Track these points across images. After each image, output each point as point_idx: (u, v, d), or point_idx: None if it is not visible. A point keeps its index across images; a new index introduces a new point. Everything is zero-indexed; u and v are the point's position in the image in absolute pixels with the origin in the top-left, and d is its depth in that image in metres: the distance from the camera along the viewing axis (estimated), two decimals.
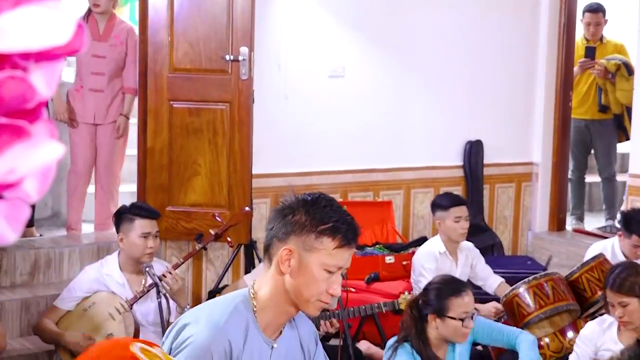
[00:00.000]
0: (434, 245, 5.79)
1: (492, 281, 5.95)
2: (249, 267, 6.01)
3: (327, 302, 2.44)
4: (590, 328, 4.52)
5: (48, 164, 0.88)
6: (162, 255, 5.92)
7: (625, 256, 5.91)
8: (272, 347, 2.54)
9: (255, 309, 2.48)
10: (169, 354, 2.41)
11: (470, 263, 5.93)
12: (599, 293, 5.21)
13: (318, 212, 2.43)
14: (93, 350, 1.84)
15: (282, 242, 2.44)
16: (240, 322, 2.46)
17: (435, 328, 4.01)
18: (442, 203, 5.74)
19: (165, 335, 2.56)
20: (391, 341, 4.14)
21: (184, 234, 5.83)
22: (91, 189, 6.64)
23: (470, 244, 5.99)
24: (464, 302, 3.97)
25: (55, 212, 7.37)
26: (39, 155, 0.88)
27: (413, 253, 6.43)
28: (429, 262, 5.73)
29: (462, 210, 5.66)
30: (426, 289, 4.16)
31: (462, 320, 3.94)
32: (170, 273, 4.78)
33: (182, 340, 2.41)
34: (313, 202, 2.43)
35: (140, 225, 4.87)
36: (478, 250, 6.05)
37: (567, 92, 7.93)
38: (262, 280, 2.50)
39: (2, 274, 5.66)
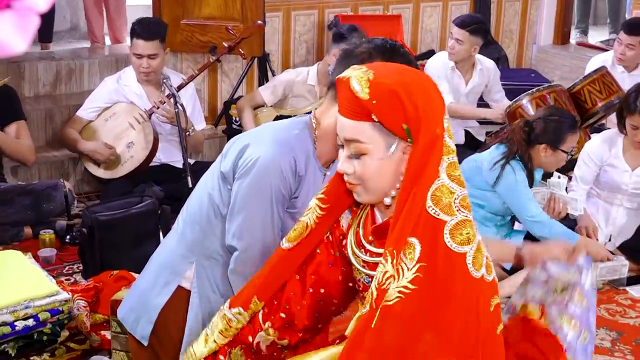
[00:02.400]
0: (444, 58, 5.62)
1: (503, 104, 5.86)
2: (263, 79, 5.97)
3: None
4: (595, 144, 4.50)
5: None
6: (177, 67, 5.87)
7: (623, 66, 5.83)
8: (325, 174, 2.57)
9: (315, 137, 2.49)
10: (233, 171, 2.44)
11: (485, 82, 5.70)
12: (600, 104, 5.19)
13: (398, 61, 2.35)
14: None
15: None
16: (303, 145, 2.47)
17: (542, 155, 4.05)
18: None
19: (222, 155, 2.55)
20: (495, 155, 4.12)
21: (198, 47, 5.75)
22: None
23: (492, 64, 5.75)
24: (576, 138, 4.05)
25: (74, 25, 7.26)
26: None
27: (421, 66, 6.36)
28: (439, 73, 5.59)
29: None
30: (546, 120, 4.06)
31: (567, 153, 4.03)
32: (159, 106, 4.76)
33: (248, 158, 2.41)
34: (392, 51, 2.36)
35: (135, 44, 4.77)
36: (499, 73, 5.80)
37: None
38: (326, 112, 2.47)
39: (25, 85, 5.64)
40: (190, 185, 4.45)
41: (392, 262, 1.80)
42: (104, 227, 4.03)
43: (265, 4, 5.75)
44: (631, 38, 5.65)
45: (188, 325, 2.58)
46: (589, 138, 5.22)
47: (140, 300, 2.66)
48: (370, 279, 1.99)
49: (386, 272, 1.81)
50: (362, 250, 2.03)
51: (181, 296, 2.60)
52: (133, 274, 3.70)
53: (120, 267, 3.85)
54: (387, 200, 1.92)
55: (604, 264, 4.22)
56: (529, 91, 5.14)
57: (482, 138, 5.77)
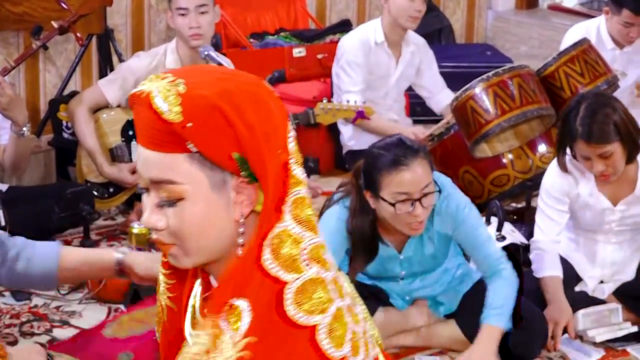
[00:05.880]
0: (369, 31, 5.75)
1: (442, 97, 5.93)
2: (105, 66, 5.90)
3: None
4: (553, 177, 4.44)
5: None
6: None
7: (613, 40, 5.97)
8: None
9: None
10: None
11: (416, 65, 5.91)
12: (582, 92, 5.27)
13: None
14: None
15: None
16: None
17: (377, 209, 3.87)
18: None
19: None
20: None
21: (10, 22, 5.66)
22: None
23: (422, 40, 5.96)
24: (402, 180, 3.73)
25: None
26: None
27: (332, 42, 6.39)
28: (358, 54, 5.71)
29: None
30: (368, 153, 3.89)
31: (393, 205, 3.74)
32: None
33: None
34: None
35: None
36: (432, 52, 6.03)
37: None
38: None
39: None
40: (3, 223, 4.37)
41: (209, 332, 1.78)
42: None
43: None
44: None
45: None
46: None
47: None
48: None
49: (195, 343, 1.80)
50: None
51: None
52: None
53: None
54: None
55: (586, 310, 4.28)
56: (484, 76, 5.17)
57: None
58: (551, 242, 4.42)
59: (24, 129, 4.70)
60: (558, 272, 4.34)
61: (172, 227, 1.83)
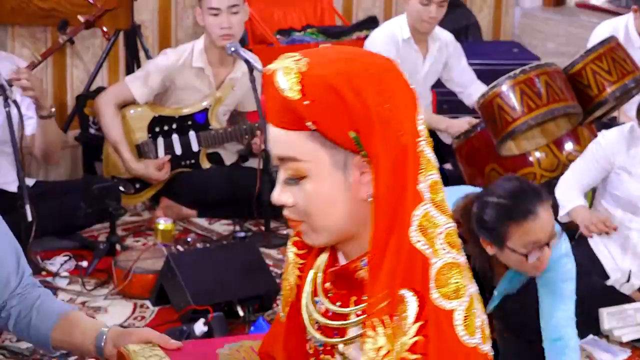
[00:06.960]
0: (397, 27, 5.75)
1: (474, 90, 5.92)
2: (132, 62, 5.91)
3: None
4: (612, 135, 4.56)
5: None
6: (7, 46, 5.79)
7: None
8: None
9: None
10: None
11: (443, 60, 5.91)
12: (609, 90, 5.25)
13: None
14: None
15: None
16: None
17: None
18: None
19: None
20: None
21: (38, 17, 5.68)
22: None
23: (449, 35, 5.96)
24: (533, 230, 3.47)
25: None
26: None
27: (358, 39, 6.40)
28: (390, 50, 5.69)
29: None
30: (484, 201, 3.56)
31: (525, 256, 3.48)
32: (23, 73, 4.68)
33: None
34: None
35: None
36: (460, 46, 6.02)
37: None
38: None
39: None
40: (31, 218, 4.37)
41: (385, 332, 1.80)
42: None
43: None
44: None
45: None
46: (596, 137, 5.31)
47: None
48: (322, 346, 2.02)
49: (380, 347, 1.81)
50: (319, 303, 2.03)
51: None
52: None
53: None
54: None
55: (611, 309, 4.29)
56: (511, 73, 5.17)
57: (450, 141, 5.84)
58: (576, 182, 4.63)
59: (52, 109, 4.72)
60: (583, 202, 4.60)
61: (299, 204, 1.89)
